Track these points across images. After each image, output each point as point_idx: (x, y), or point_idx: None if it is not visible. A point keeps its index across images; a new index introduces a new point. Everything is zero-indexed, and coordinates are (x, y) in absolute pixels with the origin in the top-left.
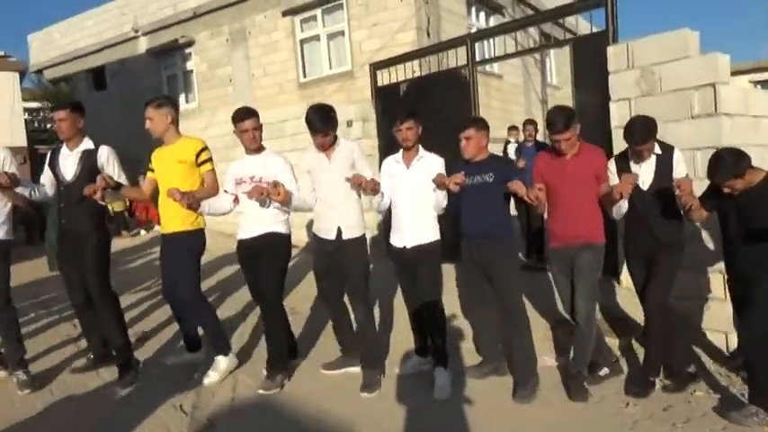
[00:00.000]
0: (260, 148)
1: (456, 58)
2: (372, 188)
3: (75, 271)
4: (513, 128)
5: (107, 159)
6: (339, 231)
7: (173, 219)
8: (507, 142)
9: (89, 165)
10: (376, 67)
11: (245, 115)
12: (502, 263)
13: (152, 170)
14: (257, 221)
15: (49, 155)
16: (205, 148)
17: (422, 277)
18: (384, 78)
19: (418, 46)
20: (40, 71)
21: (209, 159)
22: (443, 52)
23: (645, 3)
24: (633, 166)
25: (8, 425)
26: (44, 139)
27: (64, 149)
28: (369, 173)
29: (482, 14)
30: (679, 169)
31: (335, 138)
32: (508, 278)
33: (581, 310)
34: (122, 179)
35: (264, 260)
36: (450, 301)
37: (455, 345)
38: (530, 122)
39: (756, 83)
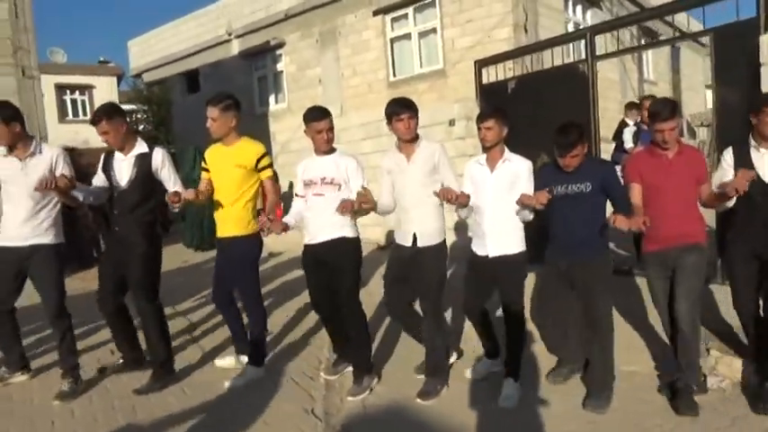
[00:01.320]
0: (332, 149)
1: (573, 52)
2: (463, 203)
3: (114, 278)
4: (631, 105)
5: (162, 162)
6: (415, 238)
7: (229, 223)
8: (624, 124)
9: (144, 169)
10: (481, 64)
11: (319, 115)
12: (593, 277)
13: (207, 170)
14: (324, 226)
15: (102, 158)
16: (266, 154)
17: (507, 291)
18: (489, 76)
19: (515, 42)
20: (138, 75)
21: (270, 165)
22: (549, 49)
23: None
24: (755, 155)
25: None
26: None
27: (118, 154)
28: (452, 177)
29: (578, 8)
30: None
31: (417, 136)
32: (599, 292)
33: (684, 314)
34: (178, 183)
35: (336, 267)
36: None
37: (527, 346)
38: (648, 98)
39: None
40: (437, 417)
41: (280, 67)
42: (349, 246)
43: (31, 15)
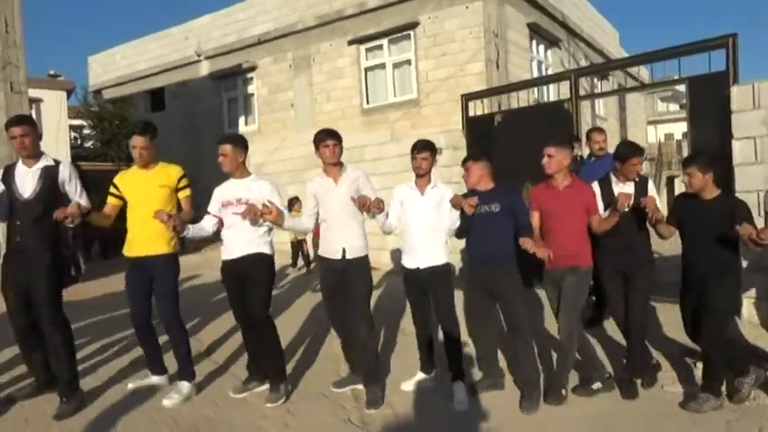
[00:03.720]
0: (246, 173)
1: (538, 92)
2: (377, 206)
3: (23, 292)
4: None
5: (69, 177)
6: (344, 252)
7: (154, 241)
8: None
9: (49, 182)
10: (468, 97)
11: (222, 140)
12: (506, 284)
13: (116, 196)
14: (241, 243)
15: (3, 170)
16: (185, 175)
17: (439, 298)
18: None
19: (486, 77)
20: (98, 91)
21: (189, 185)
22: (534, 87)
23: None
24: (615, 188)
25: None
26: (86, 156)
27: (21, 166)
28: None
29: (541, 47)
30: (652, 193)
31: (342, 163)
32: (513, 297)
33: (562, 326)
34: (83, 197)
35: (251, 281)
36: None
37: (467, 369)
38: (595, 130)
39: None
40: (466, 421)
41: (251, 89)
42: (263, 261)
43: (21, 31)
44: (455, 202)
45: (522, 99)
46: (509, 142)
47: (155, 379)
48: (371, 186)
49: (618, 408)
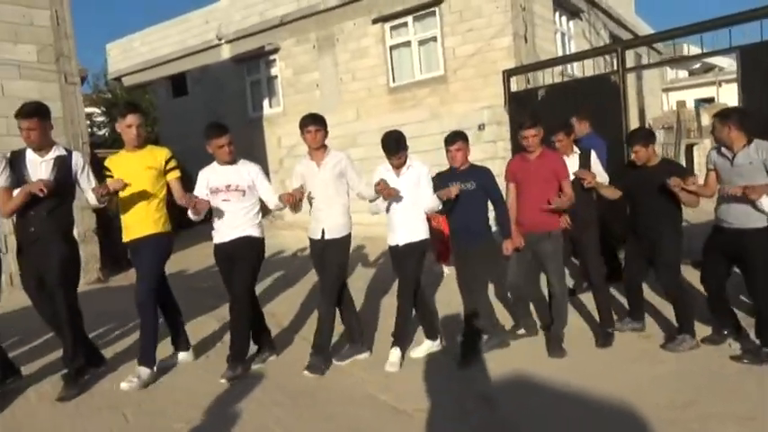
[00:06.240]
0: (234, 160)
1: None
2: (394, 193)
3: (41, 284)
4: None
5: (82, 166)
6: (323, 232)
7: (145, 223)
8: None
9: (64, 172)
10: (510, 73)
11: (219, 132)
12: (478, 253)
13: (111, 176)
14: (235, 226)
15: (9, 158)
16: (173, 157)
17: (404, 269)
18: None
19: (515, 51)
20: (118, 78)
21: (177, 167)
22: (579, 60)
23: None
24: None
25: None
26: (99, 143)
27: (32, 155)
28: (358, 180)
29: (564, 18)
30: (594, 164)
31: (326, 146)
32: (481, 266)
33: (556, 287)
34: (94, 185)
35: (238, 261)
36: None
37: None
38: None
39: None
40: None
41: (274, 71)
42: (252, 243)
43: (71, 22)
44: (442, 195)
45: (548, 73)
46: (554, 116)
47: (181, 356)
48: (354, 168)
49: (685, 365)
